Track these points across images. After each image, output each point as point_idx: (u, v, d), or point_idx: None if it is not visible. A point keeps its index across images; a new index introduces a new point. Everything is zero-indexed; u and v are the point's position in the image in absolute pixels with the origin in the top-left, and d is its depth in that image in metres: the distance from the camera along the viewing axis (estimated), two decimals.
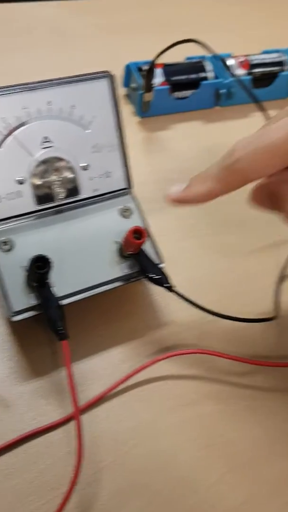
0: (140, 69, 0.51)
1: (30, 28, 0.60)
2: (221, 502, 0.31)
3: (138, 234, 0.34)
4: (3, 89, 0.32)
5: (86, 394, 0.34)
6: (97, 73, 0.35)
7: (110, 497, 0.30)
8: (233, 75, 0.44)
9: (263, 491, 0.32)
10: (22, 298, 0.32)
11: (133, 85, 0.52)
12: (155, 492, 0.31)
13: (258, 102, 0.41)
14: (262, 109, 0.42)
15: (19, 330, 0.35)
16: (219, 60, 0.54)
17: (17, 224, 0.34)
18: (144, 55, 0.52)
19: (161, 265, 0.36)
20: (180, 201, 0.32)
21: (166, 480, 0.31)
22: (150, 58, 0.52)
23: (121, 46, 0.60)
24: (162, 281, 0.34)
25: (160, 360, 0.35)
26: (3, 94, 0.32)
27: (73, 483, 0.29)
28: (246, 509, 0.31)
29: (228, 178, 0.29)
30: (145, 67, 0.50)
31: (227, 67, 0.45)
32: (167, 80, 0.51)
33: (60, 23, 0.62)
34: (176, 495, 0.31)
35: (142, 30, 0.64)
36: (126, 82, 0.53)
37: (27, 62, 0.56)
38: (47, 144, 0.34)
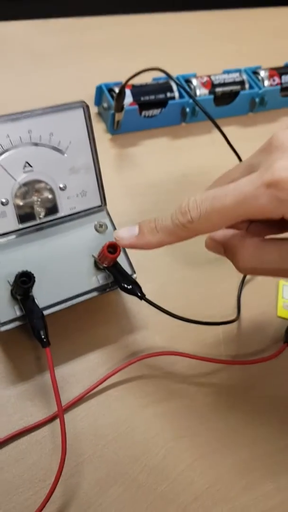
0: (110, 90, 0.55)
1: (1, 48, 0.63)
2: (190, 486, 0.35)
3: (113, 248, 0.37)
4: None
5: (67, 396, 0.37)
6: (73, 103, 0.38)
7: (91, 486, 0.34)
8: (192, 98, 0.48)
9: (226, 476, 0.36)
10: (7, 310, 0.35)
11: (104, 104, 0.55)
12: (131, 480, 0.35)
13: (214, 120, 0.45)
14: (218, 127, 0.46)
15: (4, 338, 0.38)
16: (183, 81, 0.58)
17: (1, 241, 0.37)
18: (113, 75, 0.56)
19: (133, 276, 0.39)
20: (130, 246, 0.35)
21: (141, 469, 0.35)
22: (119, 76, 0.56)
23: (90, 65, 0.63)
24: (135, 290, 0.38)
25: (133, 362, 0.39)
26: None
27: (59, 474, 0.32)
28: (212, 492, 0.35)
29: (179, 233, 0.32)
30: (116, 88, 0.54)
31: (186, 91, 0.49)
32: (136, 100, 0.54)
33: (31, 42, 0.64)
34: (150, 482, 0.35)
35: (110, 49, 0.67)
36: (97, 101, 0.56)
37: None
38: (28, 168, 0.37)
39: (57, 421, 0.35)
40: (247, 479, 0.36)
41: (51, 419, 0.36)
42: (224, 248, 0.34)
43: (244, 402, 0.40)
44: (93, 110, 0.58)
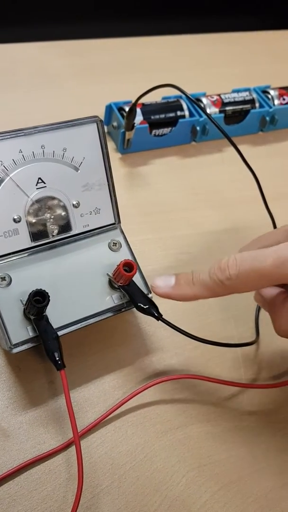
0: (120, 109, 0.54)
1: (12, 69, 0.63)
2: None
3: (129, 267, 0.36)
4: (1, 135, 0.34)
5: (81, 422, 0.35)
6: (87, 118, 0.37)
7: None
8: (206, 114, 0.48)
9: (251, 508, 0.34)
10: (20, 331, 0.34)
11: (114, 123, 0.55)
12: None
13: (228, 136, 0.44)
14: (232, 142, 0.45)
15: (16, 360, 0.37)
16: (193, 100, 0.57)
17: (14, 260, 0.35)
18: (122, 95, 0.56)
19: (149, 295, 0.38)
20: (166, 296, 0.35)
21: (162, 500, 0.33)
22: (128, 96, 0.55)
23: (99, 86, 0.63)
24: (151, 310, 0.37)
25: (150, 386, 0.37)
26: (1, 140, 0.34)
27: (76, 506, 0.30)
28: None
29: (216, 289, 0.32)
30: (125, 107, 0.53)
31: (200, 108, 0.48)
32: (146, 119, 0.54)
33: (42, 63, 0.65)
34: None
35: (120, 70, 0.67)
36: (107, 120, 0.56)
37: (9, 103, 0.58)
38: (41, 185, 0.36)
39: (72, 448, 0.33)
40: (274, 511, 0.34)
41: (65, 447, 0.34)
42: (268, 305, 0.35)
43: (268, 428, 0.38)
44: None
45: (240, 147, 0.61)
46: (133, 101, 0.49)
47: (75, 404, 0.36)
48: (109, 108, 0.55)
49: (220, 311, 0.44)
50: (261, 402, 0.39)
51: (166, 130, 0.56)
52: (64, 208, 0.37)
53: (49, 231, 0.37)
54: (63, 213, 0.37)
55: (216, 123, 0.46)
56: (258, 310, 0.44)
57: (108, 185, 0.39)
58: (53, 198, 0.37)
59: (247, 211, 0.52)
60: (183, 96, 0.58)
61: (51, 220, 0.37)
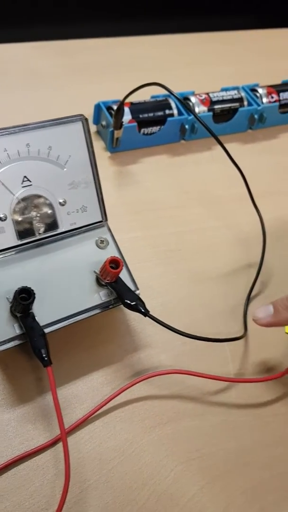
0: (108, 108, 0.55)
1: (2, 69, 0.63)
2: None
3: (115, 263, 0.36)
4: None
5: (70, 418, 0.35)
6: (72, 116, 0.37)
7: None
8: (192, 112, 0.48)
9: (239, 500, 0.34)
10: (7, 328, 0.34)
11: (103, 122, 0.55)
12: (139, 507, 0.33)
13: (214, 134, 0.45)
14: (219, 140, 0.45)
15: (3, 358, 0.37)
16: (182, 99, 0.58)
17: (0, 258, 0.36)
18: (111, 94, 0.56)
19: (136, 292, 0.38)
20: (270, 326, 0.37)
21: (150, 494, 0.33)
22: (118, 96, 0.55)
23: (88, 85, 0.63)
24: (138, 307, 0.37)
25: (138, 382, 0.37)
26: None
27: (62, 502, 0.30)
28: None
29: None
30: (114, 106, 0.54)
31: (185, 106, 0.49)
32: (135, 118, 0.54)
33: (32, 63, 0.65)
34: (159, 509, 0.33)
35: (110, 69, 0.67)
36: (96, 120, 0.56)
37: (1, 102, 0.58)
38: (26, 183, 0.36)
39: (60, 445, 0.34)
40: (261, 503, 0.34)
41: (53, 443, 0.34)
42: None
43: (256, 421, 0.38)
44: (92, 128, 0.57)
45: (229, 145, 0.61)
46: (122, 99, 0.49)
47: (63, 400, 0.36)
48: (97, 107, 0.55)
49: (209, 307, 0.44)
50: (250, 396, 0.39)
51: (155, 129, 0.56)
52: (50, 206, 0.37)
53: (36, 229, 0.37)
54: (49, 211, 0.37)
55: (201, 120, 0.46)
56: (246, 305, 0.44)
57: (95, 183, 0.39)
58: (39, 196, 0.37)
59: (235, 208, 0.52)
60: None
61: (37, 218, 0.37)
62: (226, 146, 0.51)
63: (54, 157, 0.37)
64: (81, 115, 0.38)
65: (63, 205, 0.38)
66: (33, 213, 0.37)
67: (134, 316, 0.41)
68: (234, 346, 0.42)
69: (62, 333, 0.36)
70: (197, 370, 0.39)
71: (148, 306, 0.37)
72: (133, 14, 0.78)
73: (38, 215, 0.37)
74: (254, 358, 0.41)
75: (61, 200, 0.38)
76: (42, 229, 0.37)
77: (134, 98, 0.55)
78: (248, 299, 0.45)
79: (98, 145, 0.56)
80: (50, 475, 0.33)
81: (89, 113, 0.56)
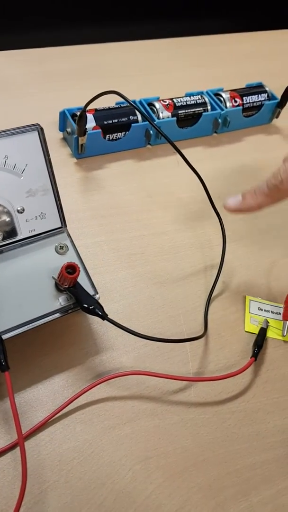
0: (73, 115, 0.55)
1: None
2: (158, 510, 0.34)
3: (72, 269, 0.37)
4: None
5: (31, 421, 0.36)
6: (28, 126, 0.38)
7: None
8: (146, 118, 0.49)
9: (196, 497, 0.35)
10: None
11: (68, 129, 0.56)
12: (97, 506, 0.34)
13: (170, 141, 0.46)
14: (177, 149, 0.47)
15: None
16: (146, 105, 0.59)
17: None
18: (77, 102, 0.57)
19: (96, 296, 0.39)
20: (236, 211, 0.42)
21: (108, 493, 0.34)
22: (82, 103, 0.56)
23: (54, 93, 0.64)
24: (96, 310, 0.38)
25: (98, 383, 0.38)
26: None
27: (19, 503, 0.31)
28: None
29: (273, 194, 0.40)
30: (78, 113, 0.55)
31: (140, 112, 0.50)
32: (99, 124, 0.55)
33: None
34: (117, 507, 0.34)
35: (77, 77, 0.68)
36: (62, 127, 0.57)
37: None
38: None
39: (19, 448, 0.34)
40: (217, 499, 0.35)
41: (13, 446, 0.35)
42: None
43: (214, 419, 0.39)
44: (58, 135, 0.58)
45: (195, 149, 0.62)
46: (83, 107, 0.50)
47: (24, 403, 0.37)
48: (63, 114, 0.56)
49: (171, 308, 0.45)
50: (208, 394, 0.40)
51: (120, 135, 0.57)
52: (8, 214, 0.38)
53: None
54: (7, 219, 0.38)
55: (155, 126, 0.48)
56: (207, 305, 0.46)
57: (53, 190, 0.40)
58: None
59: (198, 211, 0.53)
60: (137, 101, 0.59)
61: None
62: (192, 150, 0.52)
63: (10, 166, 0.38)
64: (37, 124, 0.39)
65: (21, 212, 0.39)
66: None
67: (96, 320, 0.42)
68: (194, 345, 0.43)
69: (24, 338, 0.37)
70: (158, 371, 0.40)
71: (110, 309, 0.38)
72: (98, 20, 0.79)
73: None
74: (213, 357, 0.42)
75: (19, 208, 0.38)
76: (0, 237, 0.38)
77: (99, 105, 0.56)
78: (209, 299, 0.46)
79: (64, 152, 0.57)
80: (10, 477, 0.34)
81: (55, 120, 0.57)
